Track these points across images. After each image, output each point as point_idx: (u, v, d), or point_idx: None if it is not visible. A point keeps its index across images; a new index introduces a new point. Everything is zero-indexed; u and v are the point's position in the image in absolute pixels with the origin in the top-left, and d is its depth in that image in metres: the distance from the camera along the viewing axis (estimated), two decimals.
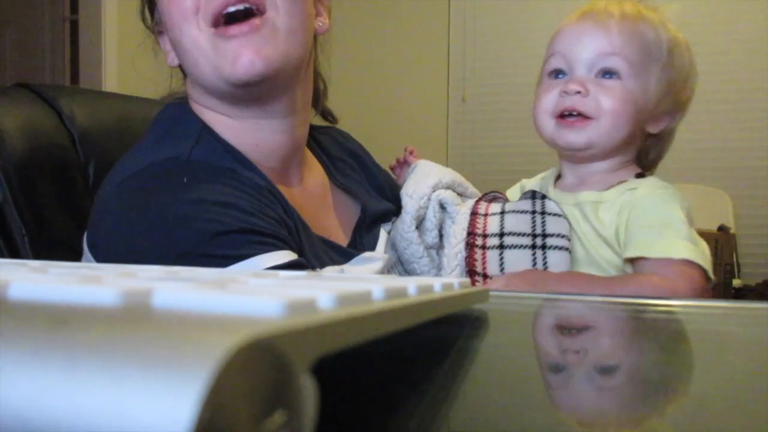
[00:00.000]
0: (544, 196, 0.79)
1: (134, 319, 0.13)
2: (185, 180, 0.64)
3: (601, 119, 0.76)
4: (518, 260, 0.74)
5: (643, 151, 0.83)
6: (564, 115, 0.78)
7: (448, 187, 0.84)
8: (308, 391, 0.13)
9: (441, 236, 0.82)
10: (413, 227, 0.80)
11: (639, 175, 0.80)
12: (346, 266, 0.74)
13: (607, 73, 0.77)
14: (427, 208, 0.81)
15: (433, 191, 0.82)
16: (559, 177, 0.86)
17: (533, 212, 0.77)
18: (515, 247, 0.75)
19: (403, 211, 0.82)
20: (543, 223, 0.76)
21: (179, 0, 0.68)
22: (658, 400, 0.22)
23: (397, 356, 0.27)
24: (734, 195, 2.43)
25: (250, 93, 0.71)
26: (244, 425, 0.11)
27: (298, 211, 0.74)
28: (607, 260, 0.75)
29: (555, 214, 0.77)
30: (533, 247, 0.74)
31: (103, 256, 0.66)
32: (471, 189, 0.88)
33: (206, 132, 0.73)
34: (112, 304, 0.15)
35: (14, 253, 0.79)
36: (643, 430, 0.20)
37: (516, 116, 2.71)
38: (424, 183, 0.82)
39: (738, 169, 2.49)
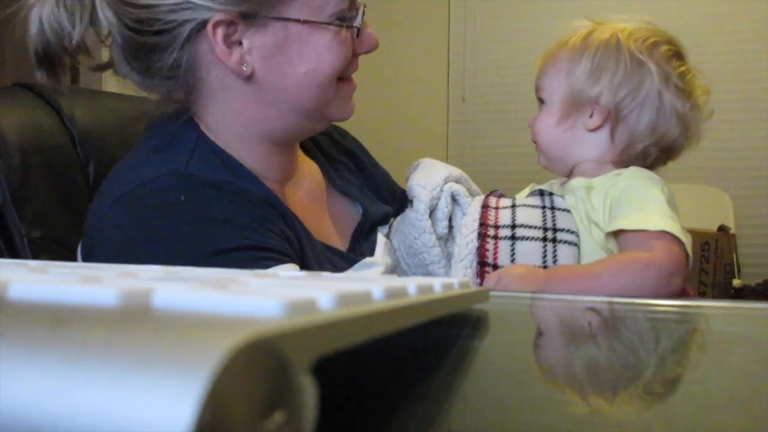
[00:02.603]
0: (552, 194, 0.83)
1: (134, 319, 0.13)
2: (182, 198, 0.64)
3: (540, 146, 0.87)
4: (529, 252, 0.76)
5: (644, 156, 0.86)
6: None
7: (457, 181, 0.85)
8: (308, 391, 0.13)
9: (450, 228, 0.82)
10: (426, 215, 0.80)
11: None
12: (348, 272, 0.74)
13: (541, 102, 0.87)
14: (439, 198, 0.82)
15: (446, 183, 0.83)
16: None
17: (543, 207, 0.80)
18: (527, 239, 0.77)
19: (416, 200, 0.82)
20: (553, 217, 0.78)
21: (346, 56, 0.73)
22: (658, 399, 0.22)
23: (397, 356, 0.27)
24: (734, 195, 2.43)
25: (320, 127, 0.79)
26: (244, 425, 0.11)
27: (299, 217, 0.74)
28: (603, 243, 0.78)
29: (564, 210, 0.80)
30: (544, 240, 0.77)
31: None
32: (474, 187, 0.89)
33: (201, 142, 0.72)
34: (112, 304, 0.15)
35: (13, 253, 0.79)
36: (643, 430, 0.20)
37: (516, 116, 2.70)
38: (436, 175, 0.84)
39: (738, 169, 2.49)
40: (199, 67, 0.71)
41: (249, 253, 0.62)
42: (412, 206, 0.82)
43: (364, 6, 0.75)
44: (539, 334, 0.39)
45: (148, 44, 0.69)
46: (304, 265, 0.68)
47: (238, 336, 0.11)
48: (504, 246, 0.77)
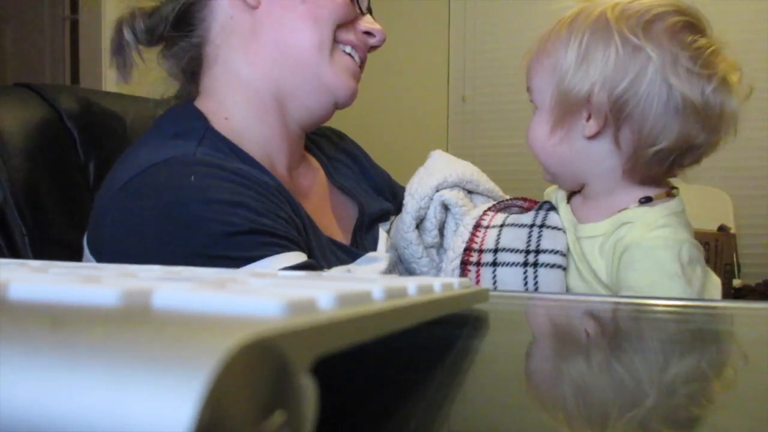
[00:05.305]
0: (551, 208, 0.75)
1: (134, 319, 0.13)
2: (192, 179, 0.63)
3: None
4: (509, 279, 0.70)
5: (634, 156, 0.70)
6: None
7: (456, 185, 0.81)
8: (308, 391, 0.13)
9: (442, 236, 0.81)
10: (413, 227, 0.78)
11: (645, 200, 0.69)
12: (352, 266, 0.73)
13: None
14: (428, 208, 0.79)
15: (436, 191, 0.79)
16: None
17: (532, 225, 0.72)
18: (507, 264, 0.71)
19: (403, 210, 0.80)
20: (539, 237, 0.71)
21: (345, 8, 0.75)
22: (657, 399, 0.22)
23: (397, 356, 0.27)
24: (734, 195, 2.43)
25: (319, 98, 0.78)
26: (244, 425, 0.11)
27: (305, 208, 0.74)
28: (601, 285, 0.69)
29: (554, 228, 0.71)
30: (525, 264, 0.70)
31: (109, 259, 0.64)
32: (484, 185, 0.84)
33: (210, 132, 0.72)
34: (112, 304, 0.15)
35: (14, 252, 0.79)
36: (643, 430, 0.20)
37: (516, 116, 2.70)
38: (426, 183, 0.80)
39: (738, 169, 2.49)
40: (214, 7, 0.76)
41: (259, 237, 0.62)
42: (401, 216, 0.81)
43: None
44: (539, 334, 0.39)
45: None
46: (310, 256, 0.67)
47: (239, 336, 0.11)
48: (486, 273, 0.72)
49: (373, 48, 0.81)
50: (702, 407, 0.22)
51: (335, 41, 0.76)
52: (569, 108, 0.68)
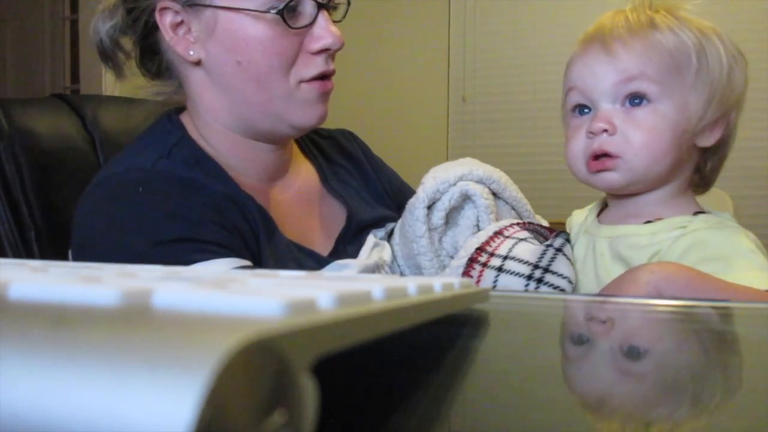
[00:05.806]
0: (568, 240, 0.75)
1: (134, 319, 0.13)
2: (140, 190, 0.69)
3: (634, 157, 0.68)
4: (510, 287, 0.70)
5: (700, 165, 0.74)
6: (596, 157, 0.69)
7: (480, 180, 0.81)
8: (308, 391, 0.13)
9: (447, 223, 0.80)
10: (424, 204, 0.78)
11: (696, 213, 0.71)
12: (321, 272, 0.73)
13: (636, 98, 0.68)
14: (444, 192, 0.79)
15: (460, 180, 0.80)
16: (605, 206, 0.78)
17: (548, 246, 0.73)
18: (512, 273, 0.71)
19: (420, 188, 0.80)
20: (552, 258, 0.71)
21: (284, 52, 0.71)
22: (657, 399, 0.22)
23: (397, 356, 0.27)
24: (734, 195, 2.43)
25: (284, 130, 0.77)
26: (244, 425, 0.11)
27: (275, 216, 0.75)
28: None
29: (568, 258, 0.72)
30: (529, 277, 0.70)
31: (74, 254, 0.72)
32: (510, 191, 0.83)
33: (183, 142, 0.76)
34: (112, 304, 0.15)
35: (27, 248, 0.86)
36: (643, 429, 0.20)
37: (516, 116, 2.70)
38: (452, 171, 0.80)
39: (738, 169, 2.49)
40: (174, 58, 0.76)
41: (192, 245, 0.66)
42: (416, 193, 0.81)
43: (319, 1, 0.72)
44: (539, 333, 0.39)
45: (143, 37, 0.77)
46: (260, 261, 0.71)
47: (239, 336, 0.11)
48: (489, 275, 0.71)
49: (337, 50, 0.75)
50: (701, 407, 0.22)
51: (291, 80, 0.73)
52: (718, 111, 0.71)
